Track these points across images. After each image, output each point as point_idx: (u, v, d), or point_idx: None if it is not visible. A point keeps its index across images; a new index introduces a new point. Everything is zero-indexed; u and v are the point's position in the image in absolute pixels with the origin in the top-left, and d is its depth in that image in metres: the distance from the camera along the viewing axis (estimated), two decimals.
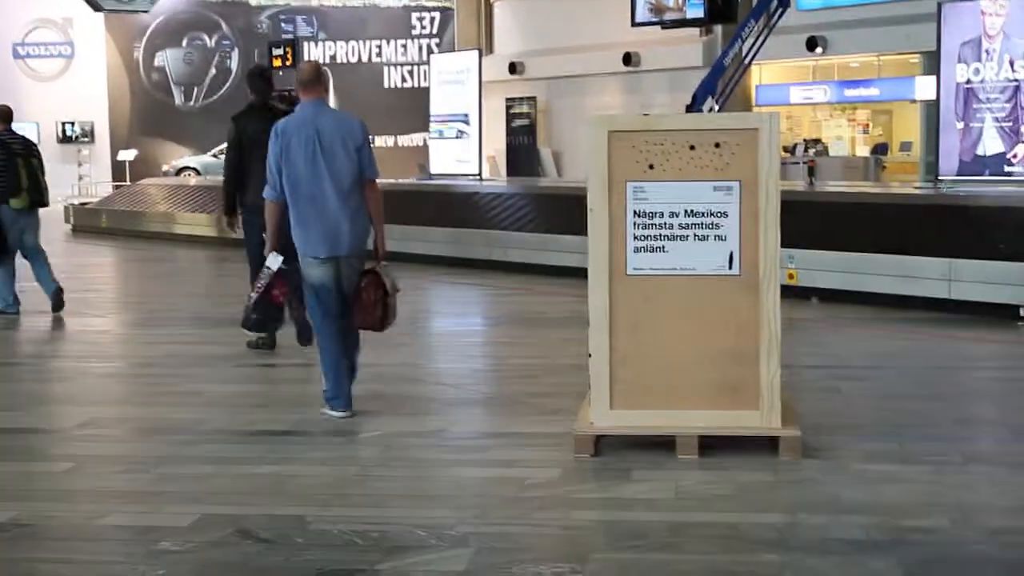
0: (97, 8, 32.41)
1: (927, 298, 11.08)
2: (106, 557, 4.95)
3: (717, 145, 6.10)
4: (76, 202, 27.21)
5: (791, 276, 11.63)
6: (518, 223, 15.30)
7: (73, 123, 37.54)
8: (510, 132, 29.66)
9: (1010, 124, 12.86)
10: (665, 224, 6.14)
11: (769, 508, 5.40)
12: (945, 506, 5.35)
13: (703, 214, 6.13)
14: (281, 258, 7.25)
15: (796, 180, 17.79)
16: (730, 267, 6.13)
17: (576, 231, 12.90)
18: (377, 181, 7.33)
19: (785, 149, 26.20)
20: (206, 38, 36.71)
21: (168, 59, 36.64)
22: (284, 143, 6.96)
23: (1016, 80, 12.75)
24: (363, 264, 7.25)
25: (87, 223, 23.57)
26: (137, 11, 33.63)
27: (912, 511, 5.26)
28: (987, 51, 12.97)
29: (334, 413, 7.18)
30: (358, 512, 5.39)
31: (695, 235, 6.13)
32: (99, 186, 34.80)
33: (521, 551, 4.81)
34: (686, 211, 6.13)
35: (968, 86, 13.14)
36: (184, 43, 36.69)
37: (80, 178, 37.03)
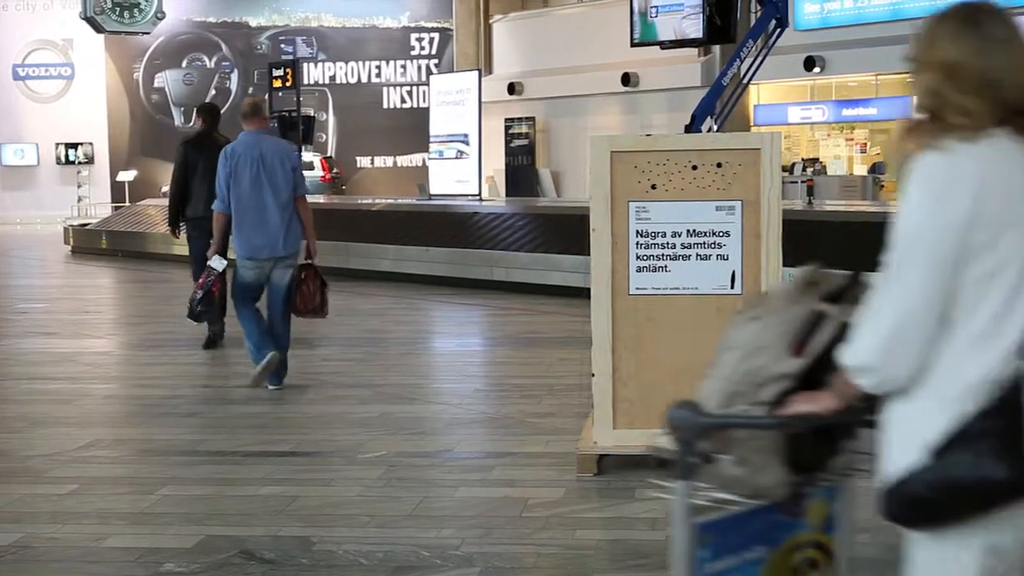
0: (99, 30, 32.52)
1: None
2: None
3: (719, 165, 6.12)
4: (76, 223, 27.24)
5: None
6: (518, 243, 15.33)
7: (76, 146, 37.56)
8: (509, 152, 29.73)
9: None
10: (667, 244, 6.16)
11: None
12: None
13: (705, 233, 6.15)
14: (225, 261, 8.76)
15: (795, 199, 17.83)
16: (732, 286, 6.15)
17: (576, 251, 12.93)
18: (306, 196, 8.90)
19: (784, 168, 26.26)
20: (206, 59, 36.80)
21: (168, 80, 36.73)
22: (233, 164, 8.32)
23: None
24: (295, 264, 8.63)
25: (86, 244, 23.58)
26: (139, 32, 33.73)
27: None
28: None
29: (259, 366, 8.48)
30: (363, 532, 5.39)
31: (697, 255, 6.15)
32: (99, 207, 34.84)
33: (525, 571, 4.82)
34: (688, 231, 6.15)
35: None
36: (184, 64, 36.78)
37: (79, 199, 37.08)
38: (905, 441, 2.37)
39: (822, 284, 2.73)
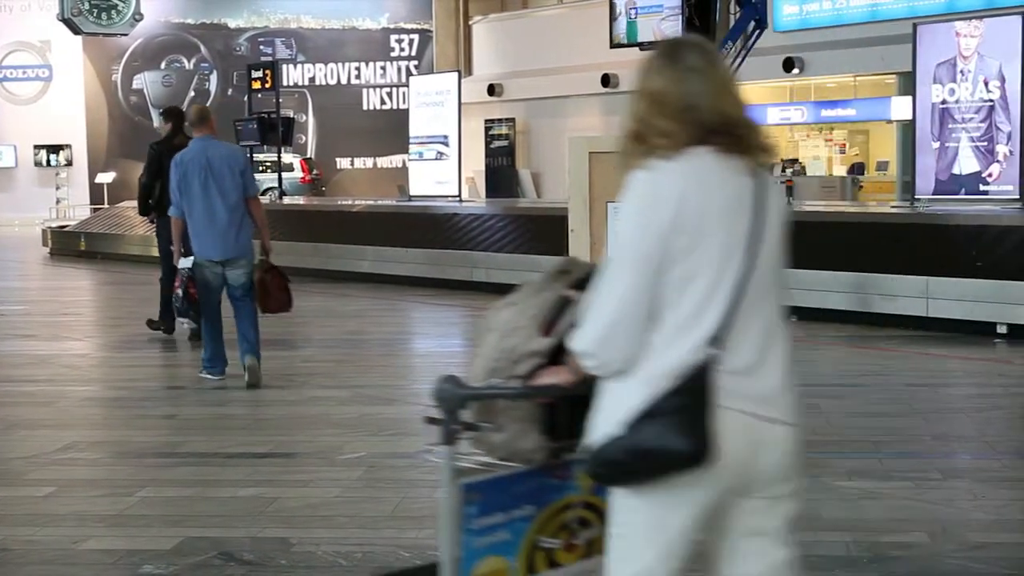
0: (76, 31, 32.40)
1: (905, 316, 11.16)
2: None
3: None
4: (54, 225, 27.15)
5: None
6: (498, 244, 15.34)
7: (58, 150, 37.40)
8: (489, 153, 29.73)
9: (985, 144, 12.96)
10: None
11: None
12: (924, 521, 5.39)
13: None
14: (191, 259, 9.06)
15: None
16: None
17: (556, 252, 12.93)
18: (259, 196, 9.21)
19: None
20: (185, 61, 36.73)
21: (147, 82, 36.64)
22: (183, 171, 8.72)
23: (991, 100, 12.86)
24: (250, 264, 8.91)
25: (65, 246, 23.51)
26: (116, 34, 33.62)
27: (892, 527, 5.30)
28: (962, 71, 13.08)
29: (211, 376, 9.00)
30: (342, 533, 5.39)
31: None
32: (77, 209, 34.72)
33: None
34: None
35: (944, 106, 13.24)
36: (163, 66, 36.70)
37: (58, 201, 36.95)
38: (610, 413, 2.70)
39: (572, 273, 3.01)
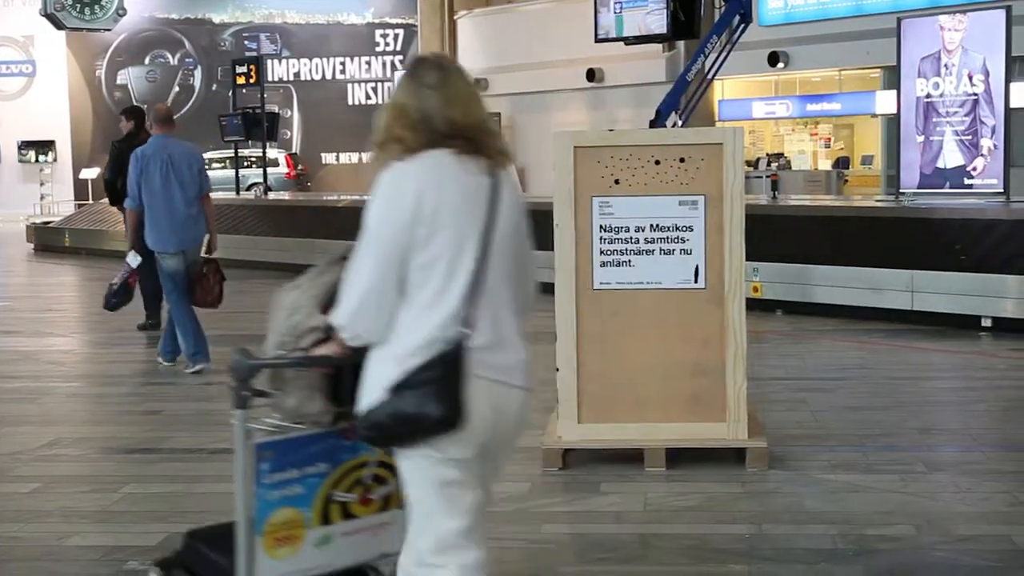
0: (59, 26, 32.28)
1: (890, 309, 11.18)
2: None
3: (682, 160, 6.15)
4: (38, 221, 27.06)
5: (756, 289, 11.70)
6: None
7: (44, 149, 37.21)
8: None
9: (969, 137, 12.99)
10: (631, 238, 6.17)
11: (736, 519, 5.43)
12: (909, 514, 5.40)
13: (669, 228, 6.17)
14: (139, 258, 9.47)
15: (760, 194, 17.90)
16: (696, 280, 6.17)
17: (542, 246, 12.89)
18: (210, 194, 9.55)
19: (748, 163, 26.36)
20: (169, 56, 36.62)
21: (131, 77, 36.53)
22: (143, 165, 9.06)
23: (975, 94, 12.89)
24: (197, 256, 9.28)
25: (49, 242, 23.43)
26: (100, 29, 33.49)
27: (877, 520, 5.32)
28: (946, 65, 13.10)
29: (199, 366, 9.28)
30: None
31: (661, 249, 6.17)
32: (61, 205, 34.61)
33: (490, 565, 4.81)
34: (652, 225, 6.17)
35: (928, 100, 13.26)
36: (147, 61, 36.60)
37: (42, 197, 36.83)
38: (375, 381, 3.14)
39: (350, 259, 3.29)
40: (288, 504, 3.47)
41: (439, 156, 3.15)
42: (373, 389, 3.13)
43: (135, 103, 36.15)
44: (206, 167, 9.71)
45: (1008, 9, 12.88)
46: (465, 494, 3.20)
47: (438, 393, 3.04)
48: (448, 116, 3.16)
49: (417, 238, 3.09)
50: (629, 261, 6.18)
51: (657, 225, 6.15)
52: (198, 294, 9.31)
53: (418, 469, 3.18)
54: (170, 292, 9.36)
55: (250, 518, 3.42)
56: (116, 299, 9.84)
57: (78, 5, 32.10)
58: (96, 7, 32.54)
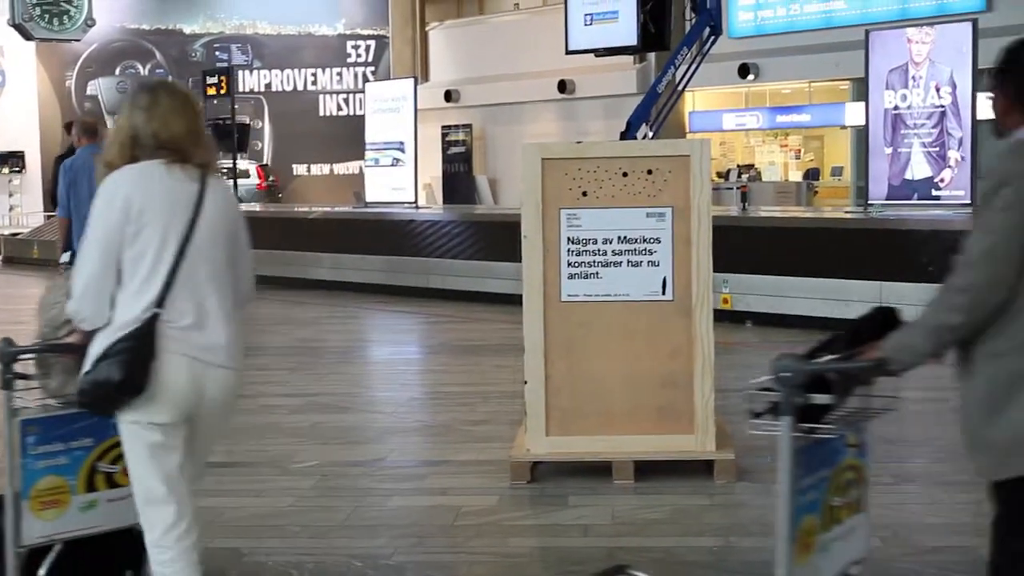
0: (28, 37, 32.06)
1: None
2: None
3: (649, 172, 6.16)
4: (7, 232, 26.88)
5: (725, 301, 11.72)
6: (454, 251, 15.32)
7: (16, 161, 36.92)
8: (446, 160, 29.68)
9: (937, 149, 13.06)
10: (599, 250, 6.18)
11: (704, 531, 5.43)
12: (876, 526, 5.37)
13: (636, 240, 6.17)
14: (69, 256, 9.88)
15: (730, 205, 17.94)
16: (663, 292, 6.18)
17: (512, 258, 12.89)
18: None
19: (719, 175, 26.43)
20: (139, 67, 36.44)
21: (101, 88, 36.32)
22: (72, 177, 9.39)
23: (942, 106, 12.97)
24: None
25: (18, 253, 23.29)
26: (68, 40, 33.31)
27: None
28: (914, 78, 13.18)
29: None
30: (294, 543, 5.36)
31: (628, 261, 6.17)
32: (31, 216, 34.37)
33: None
34: (619, 237, 6.17)
35: (896, 112, 13.33)
36: (117, 72, 36.38)
37: (11, 208, 36.57)
38: (90, 356, 3.64)
39: None
40: (53, 473, 4.04)
41: (148, 166, 3.71)
42: (88, 362, 3.65)
43: (106, 114, 36.06)
44: None
45: (974, 22, 12.97)
46: (169, 456, 3.73)
47: (123, 362, 3.57)
48: (153, 131, 3.73)
49: (127, 235, 3.64)
50: (597, 273, 6.18)
51: (625, 237, 6.15)
52: None
53: (128, 432, 3.72)
54: None
55: (17, 484, 3.98)
56: None
57: (46, 15, 31.91)
58: (65, 17, 32.36)
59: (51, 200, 12.98)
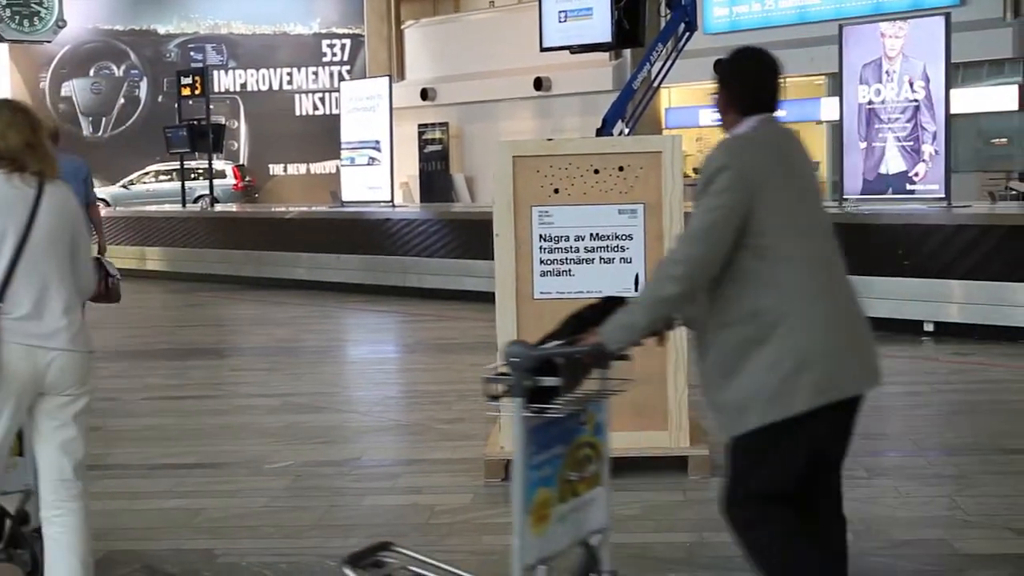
0: None
1: None
2: None
3: (621, 168, 6.16)
4: None
5: None
6: (430, 249, 15.30)
7: None
8: (423, 158, 29.66)
9: (911, 143, 13.11)
10: (571, 248, 6.17)
11: (678, 527, 5.44)
12: (849, 520, 5.39)
13: (608, 237, 6.17)
14: None
15: None
16: (636, 289, 6.17)
17: (488, 256, 12.87)
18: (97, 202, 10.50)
19: (696, 171, 26.44)
20: (114, 67, 36.27)
21: (75, 89, 36.16)
22: None
23: (916, 100, 13.01)
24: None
25: None
26: (40, 41, 33.16)
27: None
28: (887, 72, 13.22)
29: None
30: (267, 544, 5.34)
31: (601, 258, 6.17)
32: None
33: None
34: (591, 234, 6.17)
35: (870, 107, 13.37)
36: (91, 73, 36.22)
37: None
38: None
39: None
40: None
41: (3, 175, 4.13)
42: None
43: (80, 115, 35.92)
44: (93, 178, 10.58)
45: (947, 16, 13.02)
46: (9, 435, 4.11)
47: None
48: None
49: None
50: (569, 270, 6.18)
51: (597, 234, 6.15)
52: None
53: None
54: None
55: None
56: None
57: (16, 16, 31.75)
58: (35, 19, 32.21)
59: None
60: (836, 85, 16.54)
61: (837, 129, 15.70)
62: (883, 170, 13.36)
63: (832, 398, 3.49)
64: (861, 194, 13.53)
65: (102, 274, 10.55)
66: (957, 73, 19.51)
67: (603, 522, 3.77)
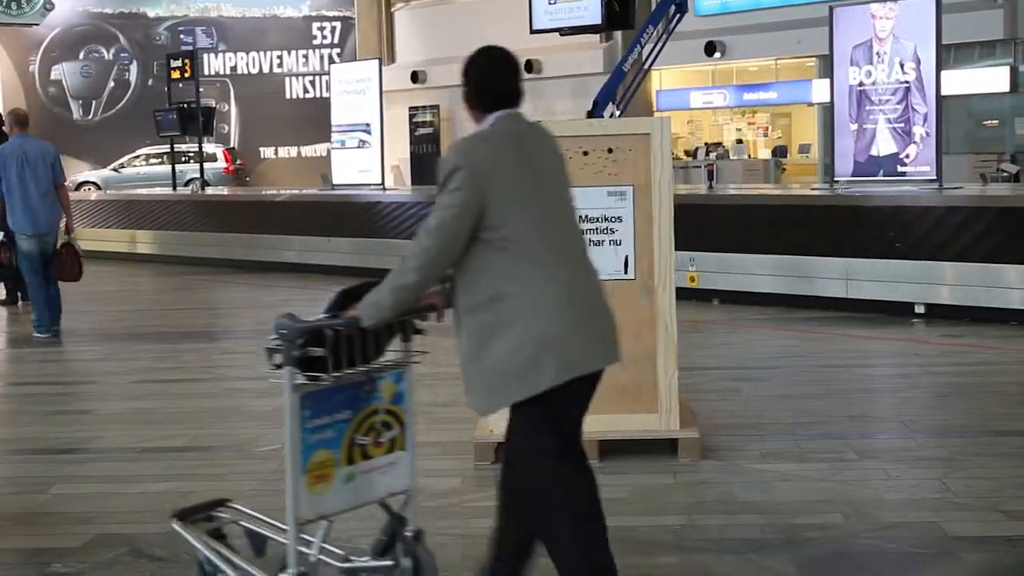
0: None
1: (825, 297, 11.25)
2: None
3: (610, 150, 6.13)
4: None
5: (692, 279, 11.73)
6: None
7: None
8: (414, 141, 29.61)
9: (902, 125, 13.09)
10: None
11: (667, 510, 5.43)
12: (839, 503, 5.42)
13: (598, 219, 6.15)
14: (2, 235, 11.60)
15: (699, 183, 17.94)
16: (626, 271, 6.17)
17: None
18: (65, 184, 11.29)
19: (687, 153, 26.45)
20: (104, 51, 36.16)
21: (65, 73, 36.03)
22: (3, 162, 10.83)
23: (906, 82, 12.99)
24: (56, 239, 10.95)
25: None
26: (27, 24, 33.02)
27: (806, 508, 5.33)
28: (878, 54, 13.19)
29: (40, 335, 10.94)
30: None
31: (590, 240, 6.14)
32: None
33: (451, 566, 4.78)
34: (581, 216, 6.12)
35: (861, 88, 13.35)
36: (81, 56, 36.11)
37: None
38: None
39: None
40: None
41: None
42: None
43: (70, 98, 35.81)
44: (61, 161, 11.19)
45: None
46: None
47: None
48: None
49: None
50: None
51: (586, 216, 6.13)
52: (56, 270, 10.94)
53: None
54: (26, 270, 11.06)
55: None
56: None
57: (3, 0, 31.61)
58: (23, 1, 32.09)
59: None
60: (826, 67, 16.53)
61: (828, 111, 15.68)
62: (874, 152, 13.34)
63: (573, 374, 3.77)
64: (852, 176, 13.51)
65: (74, 256, 10.84)
66: (948, 54, 19.49)
67: (405, 484, 4.14)
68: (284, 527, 4.13)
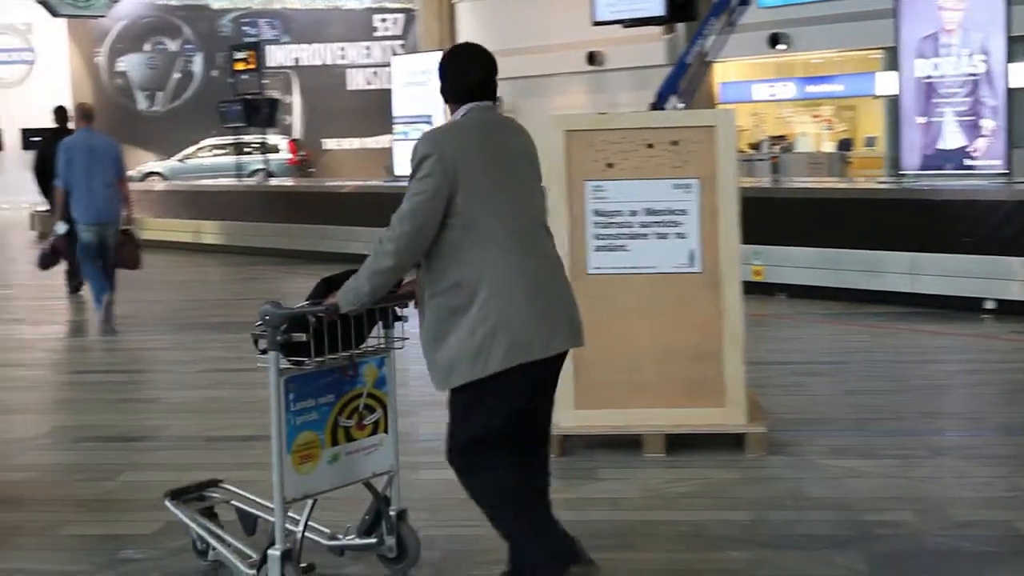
0: (54, 13, 32.19)
1: (892, 292, 11.13)
2: (67, 567, 4.91)
3: (675, 143, 6.10)
4: (41, 208, 26.98)
5: (758, 273, 11.64)
6: None
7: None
8: None
9: (970, 118, 12.92)
10: (625, 223, 6.13)
11: (735, 505, 5.40)
12: (910, 499, 5.37)
13: (663, 212, 6.13)
14: (66, 226, 11.26)
15: (763, 177, 17.82)
16: (691, 264, 6.14)
17: None
18: (127, 176, 11.59)
19: (751, 146, 26.28)
20: (168, 42, 36.50)
21: (130, 64, 36.41)
22: (69, 155, 11.08)
23: (975, 74, 12.81)
24: (116, 229, 11.13)
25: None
26: (93, 16, 33.39)
27: (877, 505, 5.28)
28: (945, 46, 13.03)
29: (97, 306, 11.19)
30: (318, 515, 5.33)
31: (655, 233, 6.12)
32: None
33: (484, 553, 4.79)
34: (646, 209, 6.12)
35: (928, 81, 13.19)
36: (146, 48, 36.47)
37: None
38: None
39: None
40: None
41: None
42: None
43: (135, 90, 36.17)
44: (124, 155, 11.51)
45: None
46: None
47: None
48: None
49: None
50: (624, 246, 6.14)
51: (651, 209, 6.11)
52: (117, 258, 11.22)
53: None
54: (82, 257, 11.31)
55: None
56: (46, 260, 11.90)
57: None
58: None
59: (38, 177, 14.48)
60: (892, 59, 16.35)
61: (894, 104, 15.51)
62: (941, 145, 13.18)
63: (524, 359, 3.93)
64: (919, 169, 13.36)
65: (133, 245, 11.14)
66: (1018, 46, 19.21)
67: (389, 465, 4.44)
68: (272, 506, 4.24)
